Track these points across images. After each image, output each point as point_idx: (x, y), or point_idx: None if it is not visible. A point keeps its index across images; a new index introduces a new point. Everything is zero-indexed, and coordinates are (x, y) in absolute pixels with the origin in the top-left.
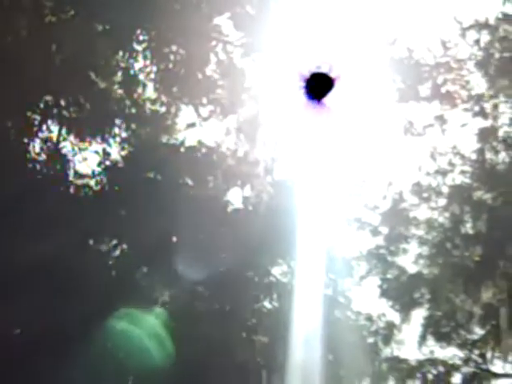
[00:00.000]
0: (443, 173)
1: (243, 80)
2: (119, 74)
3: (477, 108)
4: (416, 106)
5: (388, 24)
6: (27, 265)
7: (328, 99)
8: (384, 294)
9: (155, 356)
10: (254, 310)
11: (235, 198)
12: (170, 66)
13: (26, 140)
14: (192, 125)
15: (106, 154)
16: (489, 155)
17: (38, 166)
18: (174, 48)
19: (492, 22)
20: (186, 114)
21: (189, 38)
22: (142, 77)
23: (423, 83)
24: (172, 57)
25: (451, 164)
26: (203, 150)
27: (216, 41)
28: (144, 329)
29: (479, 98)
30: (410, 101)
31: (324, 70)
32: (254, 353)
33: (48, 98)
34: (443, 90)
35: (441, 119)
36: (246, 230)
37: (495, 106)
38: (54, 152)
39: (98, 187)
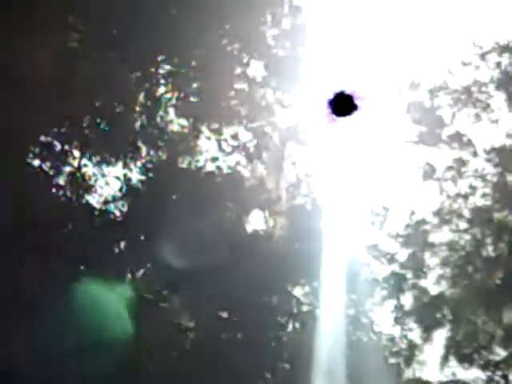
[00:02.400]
0: (464, 196)
1: (268, 115)
2: (141, 97)
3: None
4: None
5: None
6: None
7: (351, 121)
8: (406, 315)
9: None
10: (278, 337)
11: (256, 222)
12: (193, 95)
13: (48, 165)
14: (215, 159)
15: (127, 180)
16: (510, 177)
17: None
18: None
19: None
20: (207, 143)
21: (214, 75)
22: (163, 101)
23: (443, 127)
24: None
25: (472, 187)
26: (222, 176)
27: (242, 80)
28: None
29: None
30: (430, 144)
31: (348, 92)
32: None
33: (69, 123)
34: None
35: (460, 162)
36: (268, 254)
37: None
38: (78, 178)
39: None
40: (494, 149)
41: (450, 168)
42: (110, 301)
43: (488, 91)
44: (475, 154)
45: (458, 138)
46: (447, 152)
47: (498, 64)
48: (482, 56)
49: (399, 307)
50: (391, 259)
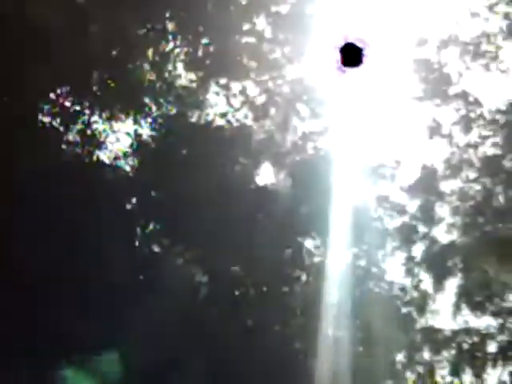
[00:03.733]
0: (474, 146)
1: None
2: (149, 52)
3: None
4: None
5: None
6: None
7: (359, 74)
8: (417, 264)
9: None
10: (292, 290)
11: (265, 175)
12: (201, 50)
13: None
14: (224, 114)
15: (137, 135)
16: None
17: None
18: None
19: None
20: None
21: (221, 33)
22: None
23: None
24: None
25: (482, 137)
26: (231, 129)
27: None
28: None
29: None
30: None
31: (356, 44)
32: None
33: (78, 79)
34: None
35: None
36: (278, 207)
37: None
38: (89, 136)
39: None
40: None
41: (456, 123)
42: None
43: (497, 42)
44: (481, 114)
45: (464, 97)
46: (454, 109)
47: (507, 15)
48: (490, 7)
49: (410, 258)
50: (402, 211)
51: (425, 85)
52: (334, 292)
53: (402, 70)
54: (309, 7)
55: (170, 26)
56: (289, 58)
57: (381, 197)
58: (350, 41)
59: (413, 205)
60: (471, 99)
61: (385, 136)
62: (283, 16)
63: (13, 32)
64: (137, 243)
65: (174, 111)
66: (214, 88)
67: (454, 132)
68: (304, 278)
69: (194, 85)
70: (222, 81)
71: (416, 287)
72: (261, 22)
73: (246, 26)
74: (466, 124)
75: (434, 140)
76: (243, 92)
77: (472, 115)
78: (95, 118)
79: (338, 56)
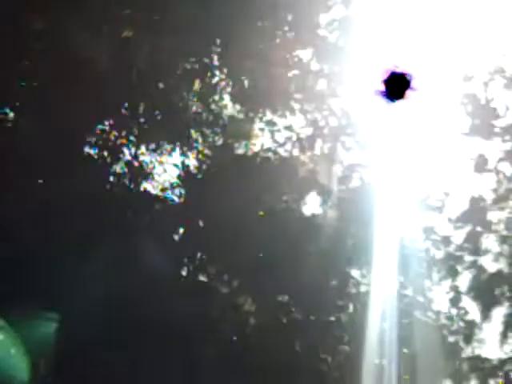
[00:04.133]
0: None
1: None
2: (196, 84)
3: None
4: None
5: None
6: None
7: (405, 107)
8: (464, 293)
9: None
10: (339, 319)
11: (311, 207)
12: (247, 83)
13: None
14: (268, 150)
15: (184, 166)
16: None
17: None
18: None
19: None
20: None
21: (267, 65)
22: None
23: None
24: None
25: None
26: (277, 161)
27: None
28: None
29: None
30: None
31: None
32: (340, 364)
33: (125, 112)
34: None
35: None
36: (324, 238)
37: None
38: (136, 167)
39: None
40: None
41: (503, 159)
42: None
43: None
44: None
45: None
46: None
47: None
48: None
49: (456, 288)
50: (447, 242)
51: (472, 119)
52: (381, 321)
53: (448, 103)
54: (355, 38)
55: (216, 59)
56: (334, 90)
57: (428, 227)
58: (396, 72)
59: (460, 235)
60: None
61: (432, 168)
62: (328, 47)
63: (57, 64)
64: (185, 273)
65: (220, 142)
66: (260, 120)
67: (501, 166)
68: (351, 307)
69: (241, 115)
70: (268, 113)
71: (462, 316)
72: (306, 54)
73: (291, 58)
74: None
75: (480, 175)
76: (288, 128)
77: None
78: (142, 149)
79: (384, 87)
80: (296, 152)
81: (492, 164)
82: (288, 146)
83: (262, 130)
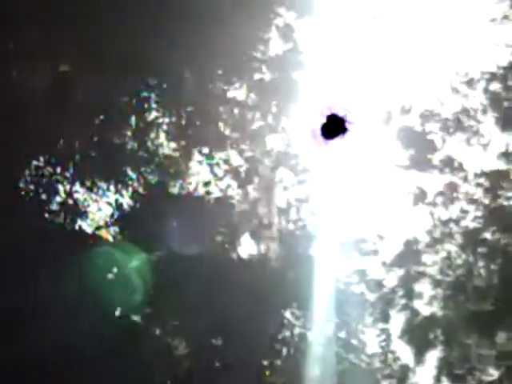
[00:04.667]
0: (456, 220)
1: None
2: (132, 121)
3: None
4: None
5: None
6: None
7: (342, 145)
8: (397, 336)
9: None
10: (272, 363)
11: (247, 247)
12: (184, 119)
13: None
14: (207, 184)
15: (119, 205)
16: (501, 200)
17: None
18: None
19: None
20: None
21: (204, 99)
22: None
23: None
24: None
25: (463, 211)
26: (212, 200)
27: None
28: None
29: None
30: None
31: (339, 115)
32: None
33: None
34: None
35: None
36: (259, 279)
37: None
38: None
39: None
40: (485, 173)
41: (441, 193)
42: None
43: (477, 117)
44: (466, 178)
45: (449, 163)
46: (438, 177)
47: (486, 90)
48: (470, 83)
49: (388, 331)
50: (380, 285)
51: (409, 152)
52: (315, 365)
53: (385, 138)
54: (292, 75)
55: (154, 95)
56: (272, 126)
57: (361, 271)
58: (333, 110)
59: (392, 278)
60: (456, 165)
61: (368, 207)
62: (266, 84)
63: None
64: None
65: (155, 181)
66: (196, 157)
67: (438, 200)
68: (284, 351)
69: (177, 154)
70: (205, 150)
71: (395, 360)
72: (243, 90)
73: (228, 94)
74: (450, 192)
75: (418, 209)
76: (226, 161)
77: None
78: (76, 187)
79: (321, 125)
80: (234, 188)
81: (430, 197)
82: (226, 181)
83: (199, 162)
